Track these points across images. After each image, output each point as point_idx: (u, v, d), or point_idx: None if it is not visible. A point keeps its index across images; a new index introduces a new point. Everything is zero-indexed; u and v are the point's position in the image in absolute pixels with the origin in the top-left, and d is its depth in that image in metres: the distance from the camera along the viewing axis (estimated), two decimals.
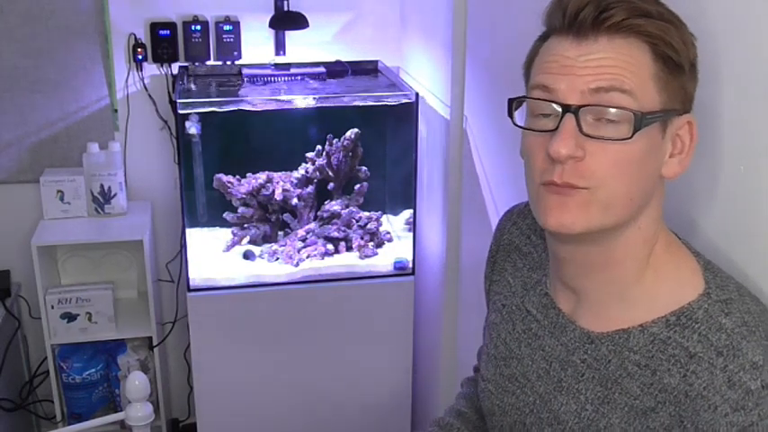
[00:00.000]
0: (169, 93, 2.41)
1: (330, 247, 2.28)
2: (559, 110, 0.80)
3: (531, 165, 0.84)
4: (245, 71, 2.35)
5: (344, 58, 2.44)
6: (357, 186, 2.32)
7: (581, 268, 0.89)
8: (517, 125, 0.87)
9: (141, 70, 2.39)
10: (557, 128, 0.80)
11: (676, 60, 0.81)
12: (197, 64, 2.38)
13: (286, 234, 2.33)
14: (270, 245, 2.30)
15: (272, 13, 2.36)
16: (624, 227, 0.84)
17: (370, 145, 2.32)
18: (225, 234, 2.34)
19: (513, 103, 0.87)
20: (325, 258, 2.27)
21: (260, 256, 2.29)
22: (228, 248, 2.30)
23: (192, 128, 2.13)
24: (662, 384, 0.82)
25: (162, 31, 2.35)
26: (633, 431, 0.84)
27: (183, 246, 2.24)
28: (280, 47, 2.44)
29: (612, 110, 0.79)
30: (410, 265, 2.29)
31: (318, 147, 2.30)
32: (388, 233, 2.38)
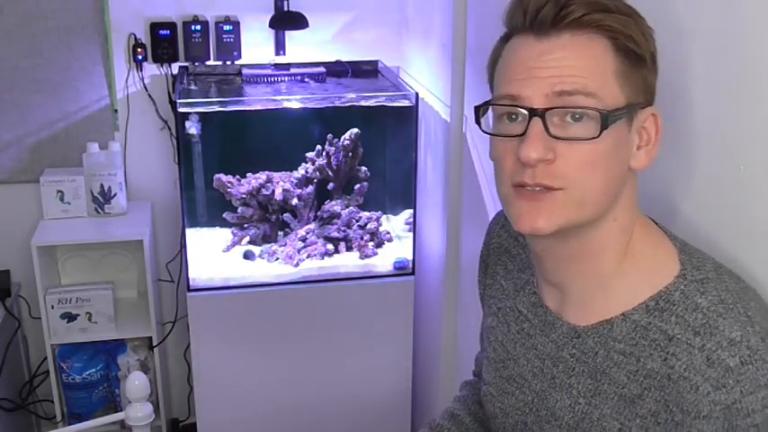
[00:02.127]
0: (169, 93, 2.41)
1: (330, 247, 2.28)
2: (526, 113, 0.81)
3: (502, 169, 0.85)
4: (245, 71, 2.35)
5: (344, 58, 2.44)
6: (357, 186, 2.32)
7: (559, 263, 0.91)
8: (485, 132, 0.88)
9: (141, 70, 2.39)
10: (524, 132, 0.81)
11: (638, 53, 0.82)
12: (197, 64, 2.38)
13: (286, 234, 2.33)
14: (270, 245, 2.30)
15: (272, 13, 2.36)
16: (599, 219, 0.85)
17: (370, 145, 2.32)
18: (225, 234, 2.34)
19: (480, 110, 0.88)
20: (325, 258, 2.27)
21: (260, 256, 2.29)
22: (228, 248, 2.30)
23: (192, 128, 2.13)
24: (646, 370, 0.82)
25: (162, 31, 2.35)
26: (624, 419, 0.85)
27: (183, 246, 2.24)
28: (280, 47, 2.44)
29: (578, 110, 0.80)
30: (410, 265, 2.29)
31: (318, 147, 2.30)
32: (388, 233, 2.38)
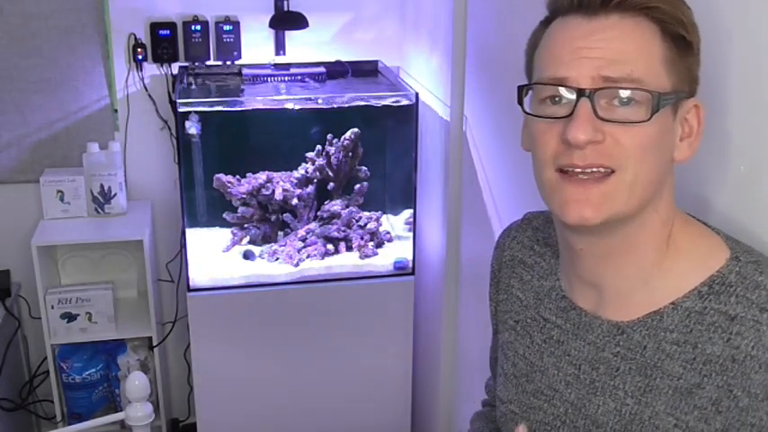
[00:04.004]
0: (169, 93, 2.41)
1: (330, 247, 2.28)
2: (572, 96, 0.79)
3: (542, 152, 0.82)
4: (245, 71, 2.35)
5: (344, 59, 2.44)
6: (357, 186, 2.32)
7: (600, 259, 0.88)
8: (527, 112, 0.85)
9: (141, 70, 2.39)
10: (571, 113, 0.79)
11: (687, 38, 0.80)
12: (197, 64, 2.38)
13: (286, 234, 2.33)
14: (270, 245, 2.30)
15: (272, 13, 2.36)
16: (642, 212, 0.83)
17: (370, 145, 2.32)
18: (225, 234, 2.34)
19: (524, 90, 0.85)
20: (325, 258, 2.28)
21: (260, 256, 2.29)
22: (228, 248, 2.30)
23: (192, 128, 2.13)
24: (705, 356, 0.80)
25: (162, 31, 2.35)
26: (680, 414, 0.81)
27: (183, 246, 2.24)
28: (280, 47, 2.45)
29: (629, 92, 0.78)
30: (410, 265, 2.29)
31: (318, 147, 2.30)
32: (388, 233, 2.38)
